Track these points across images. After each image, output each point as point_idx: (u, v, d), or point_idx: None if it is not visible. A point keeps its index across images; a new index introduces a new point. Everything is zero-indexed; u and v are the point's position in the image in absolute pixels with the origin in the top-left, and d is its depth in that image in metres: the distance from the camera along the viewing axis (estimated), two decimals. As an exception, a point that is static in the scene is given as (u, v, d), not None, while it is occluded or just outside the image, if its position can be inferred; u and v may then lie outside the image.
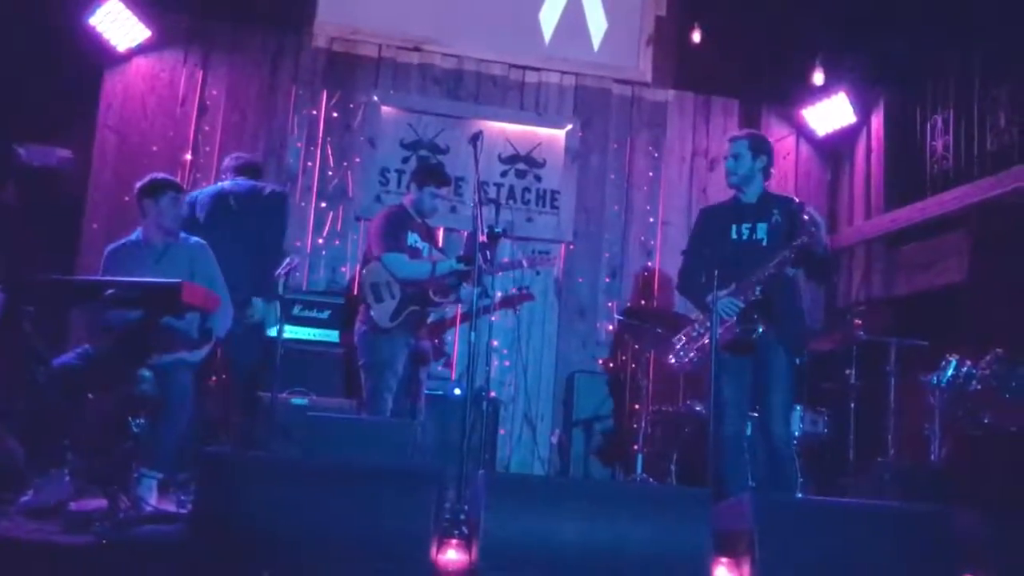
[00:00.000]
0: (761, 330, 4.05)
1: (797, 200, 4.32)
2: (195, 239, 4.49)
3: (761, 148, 4.34)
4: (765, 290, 4.06)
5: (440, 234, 5.77)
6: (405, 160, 6.42)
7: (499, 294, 6.10)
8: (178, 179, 5.19)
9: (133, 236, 4.44)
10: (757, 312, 4.07)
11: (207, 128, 6.22)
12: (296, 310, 5.61)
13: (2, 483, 3.81)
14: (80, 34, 5.82)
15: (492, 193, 6.37)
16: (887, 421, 5.22)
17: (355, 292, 5.99)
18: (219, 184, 5.26)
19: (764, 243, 4.21)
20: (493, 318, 5.92)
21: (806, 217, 4.02)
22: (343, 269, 6.25)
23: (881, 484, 4.27)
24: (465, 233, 6.16)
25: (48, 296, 3.98)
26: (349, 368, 5.35)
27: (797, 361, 4.37)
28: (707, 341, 4.09)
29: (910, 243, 6.18)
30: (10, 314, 4.00)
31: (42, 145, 5.76)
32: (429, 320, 5.20)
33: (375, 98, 6.41)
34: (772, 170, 4.41)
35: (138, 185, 4.44)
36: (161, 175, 4.55)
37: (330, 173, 6.34)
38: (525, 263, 5.41)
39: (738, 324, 4.06)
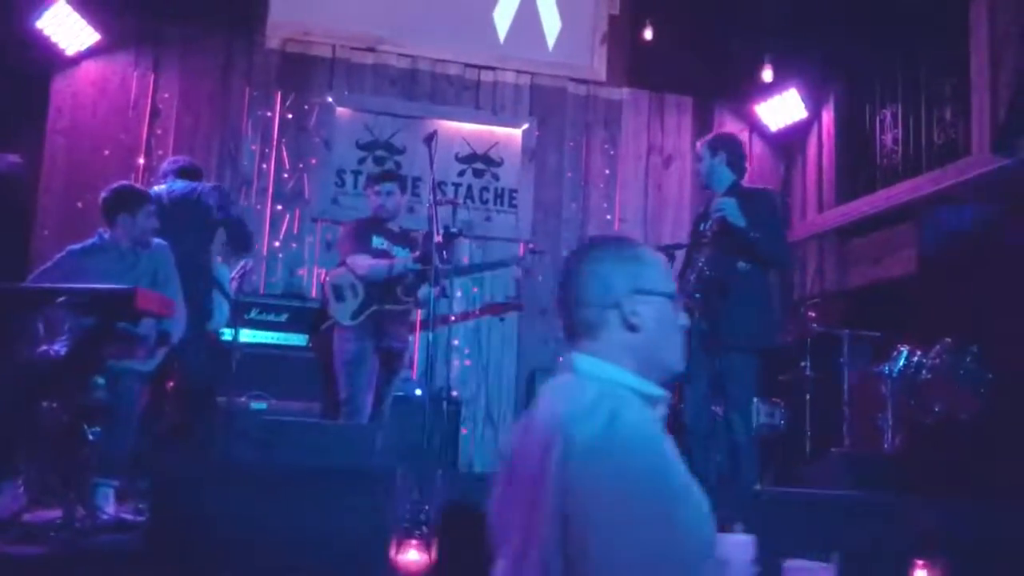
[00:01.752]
0: (695, 316, 4.07)
1: (748, 187, 4.41)
2: (157, 241, 4.45)
3: (718, 145, 4.44)
4: (704, 280, 4.11)
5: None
6: (361, 161, 6.40)
7: (470, 296, 6.12)
8: (129, 182, 5.13)
9: (98, 239, 4.38)
10: (697, 302, 4.11)
11: (160, 132, 6.15)
12: (253, 313, 5.55)
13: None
14: (27, 38, 5.71)
15: (450, 193, 6.37)
16: (842, 412, 5.31)
17: (314, 295, 5.98)
18: (154, 188, 5.14)
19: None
20: (470, 322, 6.00)
21: (717, 200, 4.13)
22: (301, 272, 6.21)
23: (836, 474, 4.34)
24: (422, 233, 6.15)
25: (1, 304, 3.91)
26: (315, 371, 5.31)
27: (758, 355, 4.41)
28: None
29: (861, 236, 6.29)
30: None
31: (-11, 151, 5.67)
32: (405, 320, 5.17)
33: (330, 99, 6.39)
34: (745, 164, 4.52)
35: (109, 195, 4.37)
36: (133, 186, 4.52)
37: (286, 175, 6.30)
38: (511, 262, 5.47)
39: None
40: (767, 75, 6.57)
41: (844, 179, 6.56)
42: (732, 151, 4.44)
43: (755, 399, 5.23)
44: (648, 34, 6.49)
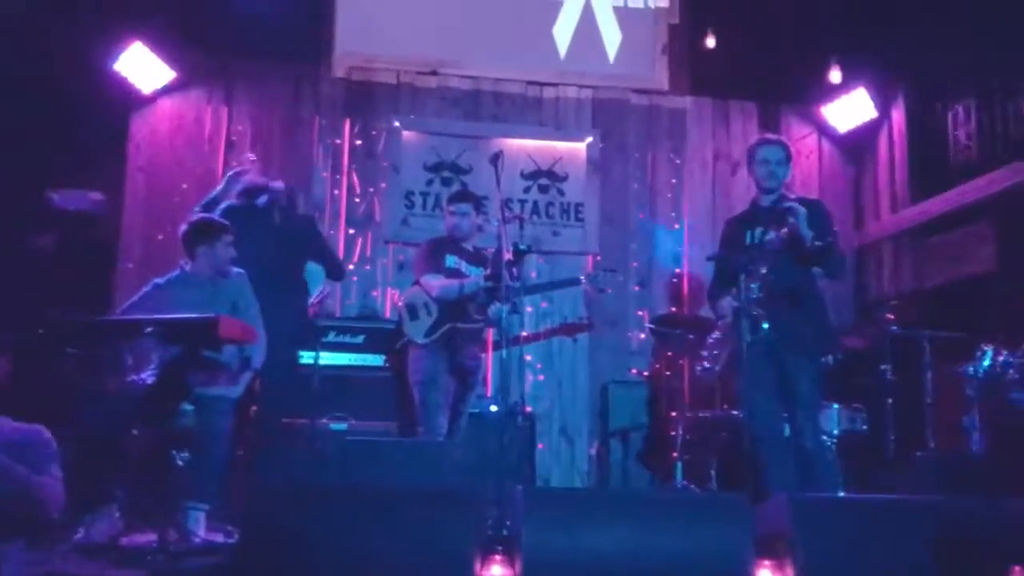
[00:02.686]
0: (766, 326, 4.03)
1: (793, 198, 4.35)
2: (236, 270, 4.59)
3: (791, 156, 4.43)
4: (769, 288, 4.07)
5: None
6: (429, 183, 6.50)
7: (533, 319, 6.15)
8: (209, 214, 5.30)
9: (179, 272, 4.54)
10: (764, 310, 4.07)
11: (234, 164, 6.33)
12: (331, 336, 5.67)
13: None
14: (106, 79, 5.95)
15: (517, 209, 6.41)
16: (925, 415, 5.19)
17: (388, 316, 6.08)
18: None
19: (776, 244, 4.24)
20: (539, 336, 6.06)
21: (784, 207, 4.06)
22: (374, 293, 6.33)
23: (922, 478, 4.24)
24: (492, 251, 6.22)
25: (89, 337, 4.08)
26: (393, 391, 5.40)
27: (829, 360, 4.36)
28: (725, 349, 4.12)
29: (938, 235, 6.15)
30: (52, 356, 4.11)
31: (75, 190, 5.91)
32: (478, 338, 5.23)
33: (396, 124, 6.51)
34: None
35: (188, 228, 4.52)
36: (211, 218, 4.66)
37: (357, 200, 6.43)
38: (583, 280, 5.50)
39: (748, 326, 4.06)
40: (834, 76, 6.47)
41: (917, 177, 6.42)
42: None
43: (835, 405, 5.18)
44: (710, 42, 6.45)
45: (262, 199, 5.21)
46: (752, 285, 4.05)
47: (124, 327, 4.07)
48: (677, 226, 6.71)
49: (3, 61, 5.35)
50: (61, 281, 5.35)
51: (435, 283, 4.95)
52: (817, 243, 4.01)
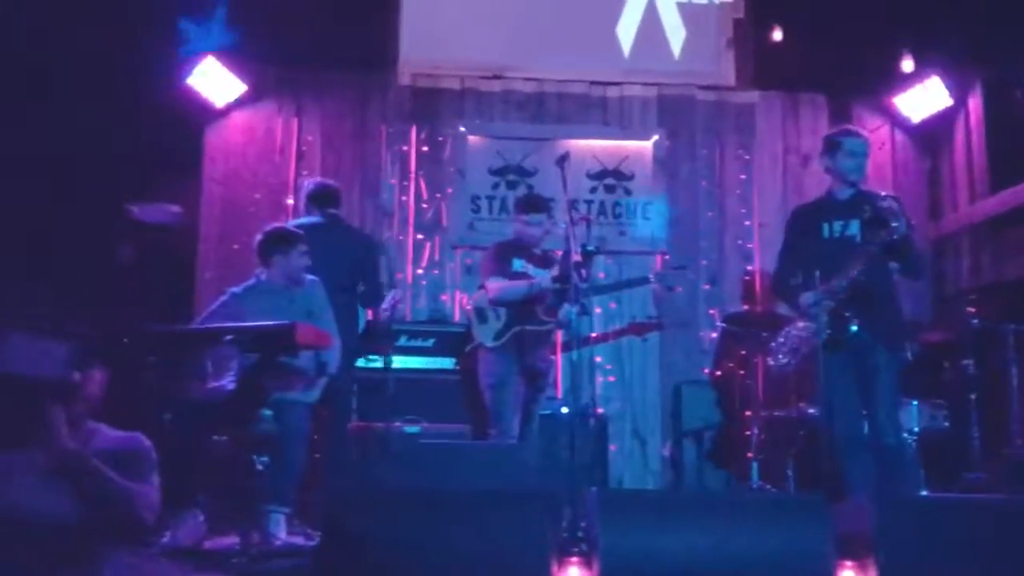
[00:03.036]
0: (855, 328, 3.96)
1: (883, 193, 4.23)
2: (310, 277, 4.68)
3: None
4: (856, 286, 3.98)
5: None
6: (495, 186, 6.54)
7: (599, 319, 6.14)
8: (282, 223, 5.42)
9: (255, 280, 4.64)
10: (850, 309, 3.99)
11: (305, 172, 6.46)
12: (402, 340, 5.74)
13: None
14: (180, 94, 6.11)
15: (583, 210, 6.40)
16: (1011, 410, 5.03)
17: (456, 319, 6.13)
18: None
19: (857, 239, 4.14)
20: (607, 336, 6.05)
21: (884, 205, 3.95)
22: (444, 297, 6.38)
23: (1009, 477, 4.12)
24: (559, 253, 6.22)
25: (170, 345, 4.20)
26: (463, 393, 5.45)
27: (908, 355, 4.27)
28: (803, 343, 4.05)
29: (1018, 225, 5.95)
30: (135, 366, 4.23)
31: (153, 203, 6.09)
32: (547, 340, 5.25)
33: (461, 129, 6.56)
34: None
35: (263, 238, 4.62)
36: (285, 227, 4.76)
37: (424, 205, 6.50)
38: (652, 279, 5.47)
39: (830, 324, 3.99)
40: (906, 65, 6.32)
41: (996, 167, 6.21)
42: None
43: (915, 402, 5.06)
44: (777, 35, 6.36)
45: None
46: (842, 283, 3.97)
47: (205, 336, 4.19)
48: (748, 223, 6.62)
49: (83, 80, 5.54)
50: (142, 292, 5.51)
51: (495, 285, 4.97)
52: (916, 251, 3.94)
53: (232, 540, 3.78)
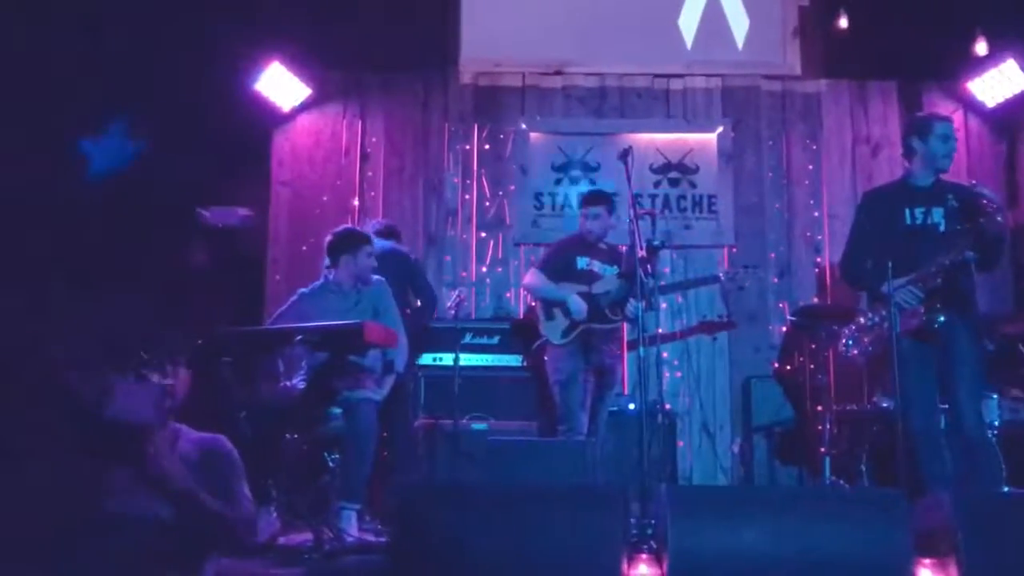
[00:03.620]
0: (943, 319, 3.86)
1: (971, 183, 4.11)
2: (376, 277, 4.74)
3: None
4: (947, 276, 3.88)
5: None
6: (557, 182, 6.53)
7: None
8: (349, 224, 5.52)
9: (323, 281, 4.72)
10: (939, 299, 3.89)
11: (370, 174, 6.54)
12: (468, 338, 5.77)
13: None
14: (248, 99, 6.23)
15: (647, 204, 6.36)
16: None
17: (521, 316, 6.13)
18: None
19: (941, 228, 4.02)
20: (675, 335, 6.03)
21: (983, 199, 3.82)
22: (507, 295, 6.40)
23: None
24: (624, 248, 6.19)
25: (243, 346, 4.28)
26: (531, 390, 5.46)
27: (989, 347, 4.15)
28: (882, 331, 3.95)
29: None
30: (210, 367, 4.33)
31: (223, 207, 6.22)
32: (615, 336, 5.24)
33: (523, 125, 6.56)
34: None
35: (331, 239, 4.71)
36: (353, 229, 4.88)
37: (487, 203, 6.52)
38: (722, 277, 5.42)
39: (923, 312, 3.89)
40: (980, 48, 6.12)
41: (1078, 150, 6.01)
42: None
43: (995, 395, 4.90)
44: (843, 22, 6.21)
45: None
46: (932, 271, 3.87)
47: (276, 336, 4.26)
48: (816, 214, 6.49)
49: (154, 87, 5.68)
50: (215, 294, 5.64)
51: (536, 279, 5.13)
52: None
53: (305, 537, 3.84)
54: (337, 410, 4.37)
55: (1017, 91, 6.28)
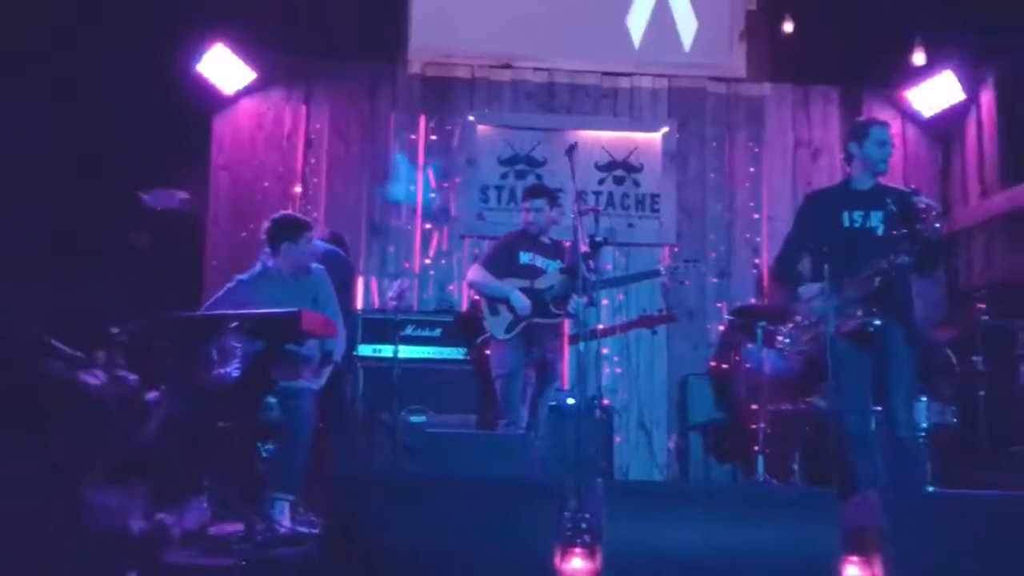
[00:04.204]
0: (879, 322, 3.93)
1: (910, 188, 4.19)
2: (316, 266, 4.67)
3: None
4: (884, 280, 3.95)
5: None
6: (504, 176, 6.51)
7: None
8: (290, 211, 5.43)
9: (261, 268, 4.64)
10: (875, 303, 3.96)
11: (313, 160, 6.45)
12: (409, 330, 5.72)
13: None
14: (189, 81, 6.09)
15: (592, 201, 6.38)
16: (1019, 408, 5.00)
17: (464, 309, 6.11)
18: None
19: (879, 232, 4.09)
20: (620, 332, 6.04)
21: (922, 205, 3.89)
22: (451, 288, 6.37)
23: (1018, 474, 4.10)
24: (568, 244, 6.20)
25: (179, 331, 4.20)
26: (470, 384, 5.45)
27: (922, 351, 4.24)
28: (819, 331, 4.02)
29: (1032, 221, 5.92)
30: (147, 351, 4.24)
31: (163, 189, 6.08)
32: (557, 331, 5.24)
33: (471, 118, 6.53)
34: None
35: (272, 225, 4.61)
36: (294, 215, 4.81)
37: (432, 195, 6.48)
38: (663, 272, 5.46)
39: (860, 315, 3.96)
40: (919, 58, 6.26)
41: (1009, 162, 6.17)
42: None
43: (924, 398, 5.03)
44: (789, 27, 6.31)
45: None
46: (877, 278, 3.92)
47: (211, 322, 4.18)
48: (757, 216, 6.58)
49: (93, 68, 5.53)
50: (152, 279, 5.52)
51: (479, 275, 5.07)
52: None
53: (237, 527, 3.78)
54: (273, 399, 4.30)
55: (953, 102, 6.45)
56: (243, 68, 6.24)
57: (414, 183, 6.35)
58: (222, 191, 6.40)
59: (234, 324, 3.91)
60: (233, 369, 4.45)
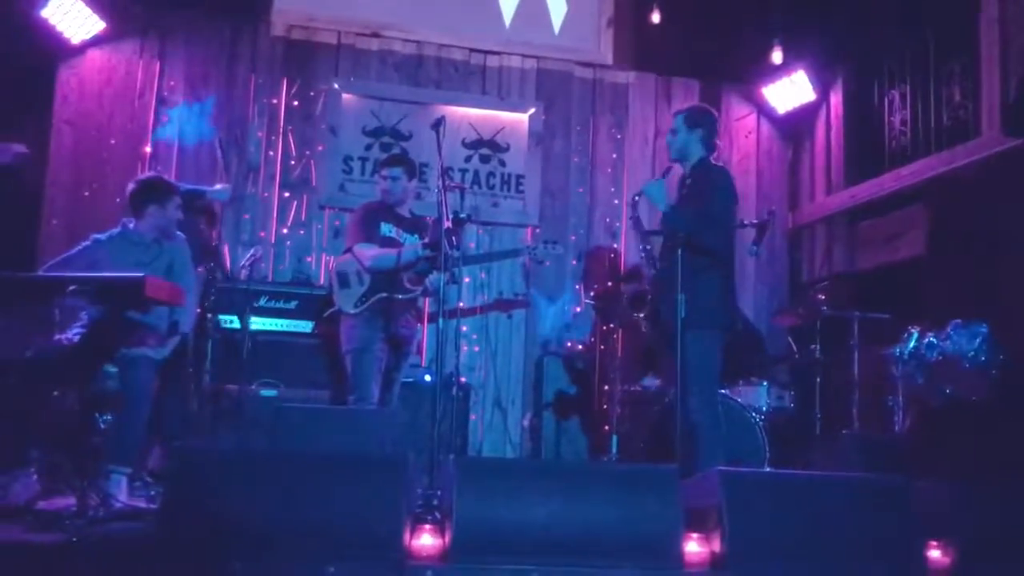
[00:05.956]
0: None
1: (713, 164, 4.40)
2: (178, 234, 4.52)
3: (697, 121, 4.41)
4: (662, 262, 4.20)
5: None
6: (368, 147, 6.39)
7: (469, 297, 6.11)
8: (138, 172, 5.16)
9: (122, 229, 4.41)
10: (661, 288, 4.14)
11: (165, 119, 6.15)
12: (262, 301, 5.54)
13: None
14: (32, 27, 5.70)
15: (457, 178, 6.36)
16: (852, 394, 5.31)
17: (322, 282, 5.98)
18: None
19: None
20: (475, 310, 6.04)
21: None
22: (308, 259, 6.21)
23: (846, 456, 4.34)
24: (431, 219, 6.15)
25: (10, 292, 3.92)
26: (325, 358, 5.33)
27: (720, 335, 4.27)
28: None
29: (871, 218, 6.26)
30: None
31: (-3, 142, 5.67)
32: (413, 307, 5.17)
33: (335, 86, 6.37)
34: (717, 142, 4.49)
35: (138, 187, 4.43)
36: (163, 178, 4.63)
37: (292, 162, 6.30)
38: (525, 251, 5.48)
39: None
40: (776, 57, 6.52)
41: (853, 161, 6.52)
42: (709, 127, 4.44)
43: (764, 383, 5.26)
44: (655, 17, 6.45)
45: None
46: (644, 252, 4.17)
47: (46, 285, 3.92)
48: (616, 201, 6.70)
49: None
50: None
51: (369, 253, 4.86)
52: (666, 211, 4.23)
53: (69, 501, 3.57)
54: (111, 368, 4.10)
55: (804, 101, 6.75)
56: (91, 16, 5.87)
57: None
58: (65, 147, 6.02)
59: (72, 287, 3.68)
60: (74, 335, 4.21)
